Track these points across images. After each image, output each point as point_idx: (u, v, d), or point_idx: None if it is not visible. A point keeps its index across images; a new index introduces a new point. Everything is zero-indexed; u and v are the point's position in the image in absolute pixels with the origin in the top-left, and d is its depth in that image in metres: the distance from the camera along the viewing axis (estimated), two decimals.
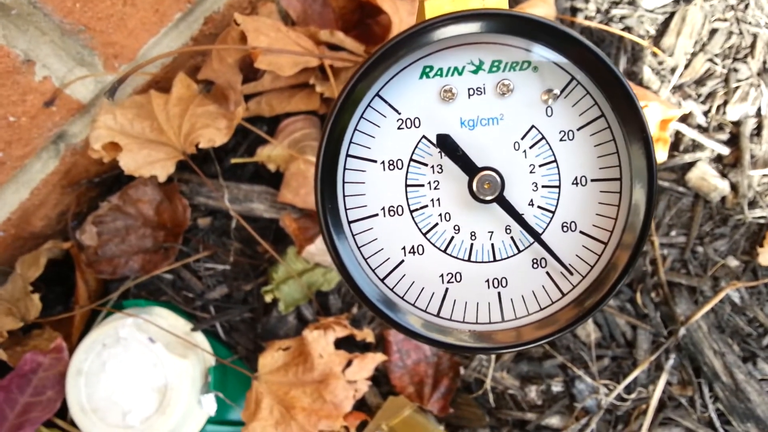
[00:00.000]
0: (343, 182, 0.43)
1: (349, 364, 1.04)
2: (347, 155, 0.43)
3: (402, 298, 0.45)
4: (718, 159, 1.11)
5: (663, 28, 1.14)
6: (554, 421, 1.08)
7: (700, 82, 1.12)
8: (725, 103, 1.11)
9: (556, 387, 1.08)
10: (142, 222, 1.12)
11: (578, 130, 0.44)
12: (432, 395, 1.09)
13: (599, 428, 1.08)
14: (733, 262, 1.08)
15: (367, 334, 1.08)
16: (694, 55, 1.13)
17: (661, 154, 1.05)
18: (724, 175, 1.10)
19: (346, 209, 0.44)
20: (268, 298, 1.07)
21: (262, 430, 1.02)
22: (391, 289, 0.45)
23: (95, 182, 1.16)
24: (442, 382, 1.09)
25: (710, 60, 1.12)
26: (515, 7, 1.13)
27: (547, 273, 0.46)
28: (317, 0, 1.14)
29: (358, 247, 0.44)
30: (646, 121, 0.42)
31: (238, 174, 1.15)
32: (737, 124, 1.11)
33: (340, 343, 1.05)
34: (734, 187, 1.09)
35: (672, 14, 1.14)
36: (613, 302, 1.08)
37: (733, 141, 1.10)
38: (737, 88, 1.11)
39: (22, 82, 0.95)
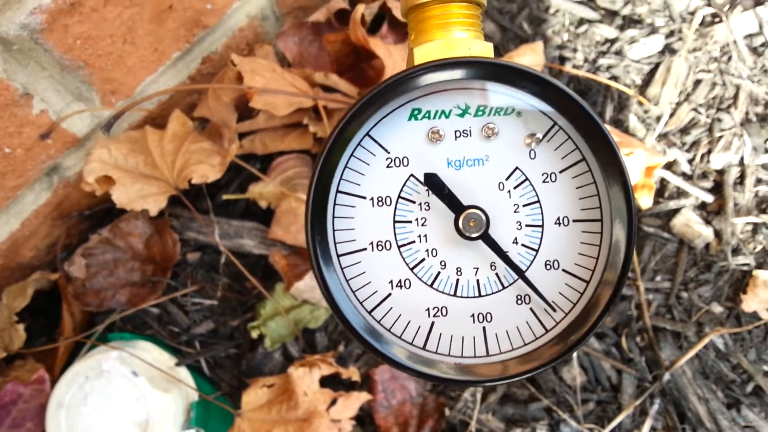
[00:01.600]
0: (333, 216, 0.45)
1: (333, 402, 1.04)
2: (337, 191, 0.45)
3: (389, 330, 0.46)
4: (702, 206, 1.13)
5: (649, 78, 1.18)
6: None
7: (684, 130, 1.16)
8: (709, 151, 1.14)
9: (541, 430, 1.08)
10: (131, 255, 1.12)
11: (560, 172, 0.46)
12: None
13: None
14: (717, 309, 1.09)
15: (352, 373, 1.08)
16: (678, 104, 1.16)
17: (646, 201, 1.07)
18: (708, 222, 1.12)
19: (335, 243, 0.45)
20: (254, 334, 1.07)
21: None
22: (379, 321, 0.46)
23: (86, 215, 1.16)
24: (427, 423, 1.08)
25: (694, 110, 1.16)
26: (505, 55, 1.16)
27: (531, 309, 0.47)
28: (313, 43, 1.17)
29: (347, 280, 0.45)
30: (624, 166, 0.43)
31: (229, 210, 1.16)
32: (721, 172, 1.13)
33: (325, 382, 1.05)
34: (718, 234, 1.11)
35: (657, 65, 1.18)
36: (598, 346, 1.09)
37: (717, 189, 1.13)
38: (721, 137, 1.14)
39: (19, 114, 0.96)
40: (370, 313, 0.46)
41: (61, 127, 1.02)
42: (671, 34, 1.19)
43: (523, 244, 0.47)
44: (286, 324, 1.09)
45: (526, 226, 0.46)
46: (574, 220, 0.46)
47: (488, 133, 0.46)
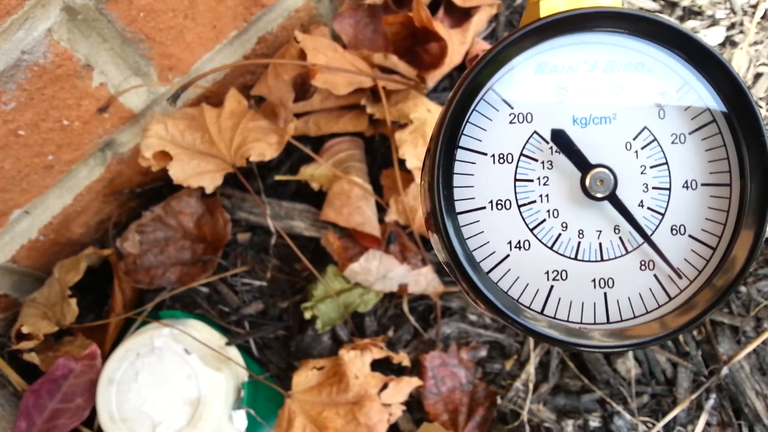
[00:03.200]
0: (452, 173, 0.44)
1: (384, 387, 1.02)
2: (458, 146, 0.44)
3: (506, 293, 0.45)
4: None
5: None
6: None
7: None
8: None
9: (594, 422, 1.06)
10: (182, 234, 1.11)
11: (690, 133, 0.45)
12: (467, 424, 1.07)
13: None
14: None
15: (402, 358, 1.06)
16: None
17: None
18: None
19: (454, 200, 0.44)
20: (307, 315, 1.06)
21: None
22: (496, 283, 0.45)
23: (137, 193, 1.16)
24: (478, 412, 1.07)
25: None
26: None
27: (655, 275, 0.45)
28: (369, 26, 1.16)
29: (464, 239, 0.44)
30: (762, 124, 0.42)
31: (279, 191, 1.16)
32: None
33: (374, 366, 1.03)
34: None
35: None
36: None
37: None
38: None
39: (79, 86, 0.96)
40: (487, 274, 0.44)
41: (119, 102, 1.02)
42: (732, 26, 1.17)
43: (648, 207, 0.45)
44: (337, 307, 1.08)
45: (653, 188, 0.45)
46: (702, 184, 0.45)
47: (617, 89, 0.44)
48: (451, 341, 1.10)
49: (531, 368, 1.08)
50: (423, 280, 1.06)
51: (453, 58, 1.06)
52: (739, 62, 1.14)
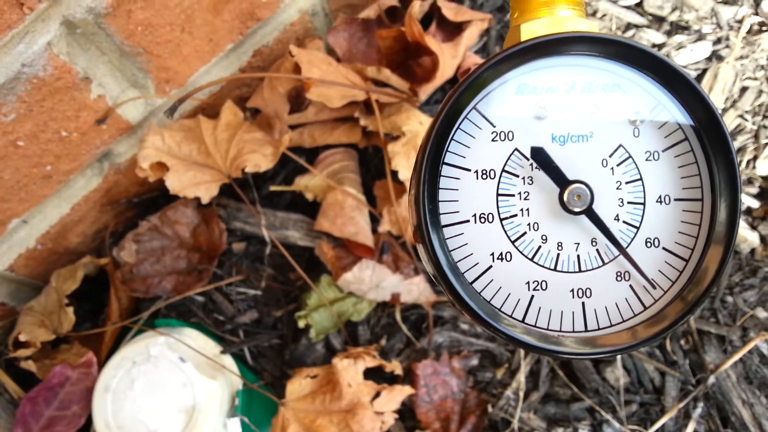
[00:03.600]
0: (437, 188, 0.45)
1: (377, 395, 1.04)
2: (443, 163, 0.46)
3: (488, 302, 0.46)
4: (748, 212, 1.13)
5: None
6: None
7: (731, 137, 1.16)
8: (755, 158, 1.15)
9: (584, 430, 1.08)
10: (178, 243, 1.13)
11: (663, 151, 0.47)
12: None
13: None
14: (762, 314, 1.09)
15: (395, 366, 1.08)
16: (725, 110, 1.16)
17: None
18: (753, 228, 1.12)
19: (439, 214, 0.46)
20: (301, 324, 1.07)
21: None
22: (479, 293, 0.46)
23: (134, 203, 1.18)
24: (469, 420, 1.08)
25: (741, 116, 1.16)
26: None
27: (630, 286, 0.47)
28: (362, 39, 1.18)
29: (449, 251, 0.46)
30: (730, 141, 0.44)
31: (274, 202, 1.17)
32: (766, 178, 1.14)
33: (367, 374, 1.05)
34: (764, 240, 1.11)
35: (704, 71, 1.18)
36: (642, 348, 1.09)
37: (763, 195, 1.13)
38: (767, 144, 1.14)
39: (78, 98, 0.97)
40: (471, 284, 0.46)
41: (116, 113, 1.04)
42: (718, 41, 1.20)
43: (624, 221, 0.47)
44: (330, 316, 1.10)
45: (628, 203, 0.47)
46: (675, 199, 0.47)
47: (594, 109, 0.46)
48: (443, 350, 1.12)
49: (521, 377, 1.10)
50: (415, 289, 1.08)
51: (445, 72, 1.08)
52: (726, 76, 1.17)
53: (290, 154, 1.07)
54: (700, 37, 1.20)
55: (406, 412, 1.11)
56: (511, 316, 0.46)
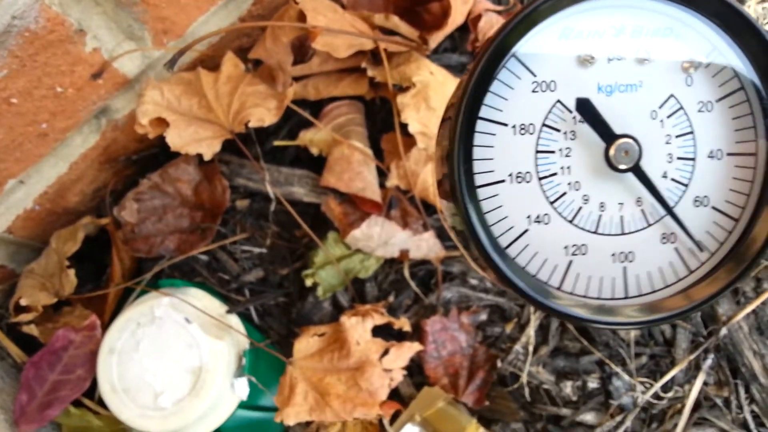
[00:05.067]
0: (472, 145, 0.42)
1: (385, 352, 1.03)
2: (478, 117, 0.42)
3: (523, 269, 0.44)
4: None
5: None
6: (589, 417, 1.07)
7: None
8: None
9: (592, 383, 1.08)
10: (179, 201, 1.10)
11: (717, 101, 0.44)
12: (467, 387, 1.08)
13: (634, 426, 1.07)
14: None
15: (403, 323, 1.07)
16: None
17: None
18: None
19: (473, 173, 0.42)
20: (308, 282, 1.05)
21: (296, 416, 1.00)
22: (513, 260, 0.44)
23: (133, 160, 1.14)
24: (478, 375, 1.08)
25: None
26: None
27: (676, 249, 0.45)
28: None
29: (483, 214, 0.43)
30: None
31: (278, 157, 1.14)
32: None
33: (375, 332, 1.03)
34: None
35: None
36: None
37: None
38: None
39: (72, 52, 0.93)
40: (504, 250, 0.43)
41: (113, 67, 0.99)
42: None
43: (672, 179, 0.44)
44: (337, 273, 1.08)
45: (677, 158, 0.44)
46: (728, 154, 0.44)
47: (643, 56, 0.43)
48: (451, 306, 1.11)
49: (531, 331, 1.09)
50: (424, 245, 1.06)
51: (456, 18, 1.03)
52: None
53: (294, 107, 1.03)
54: None
55: (415, 369, 1.10)
56: (547, 284, 0.43)
